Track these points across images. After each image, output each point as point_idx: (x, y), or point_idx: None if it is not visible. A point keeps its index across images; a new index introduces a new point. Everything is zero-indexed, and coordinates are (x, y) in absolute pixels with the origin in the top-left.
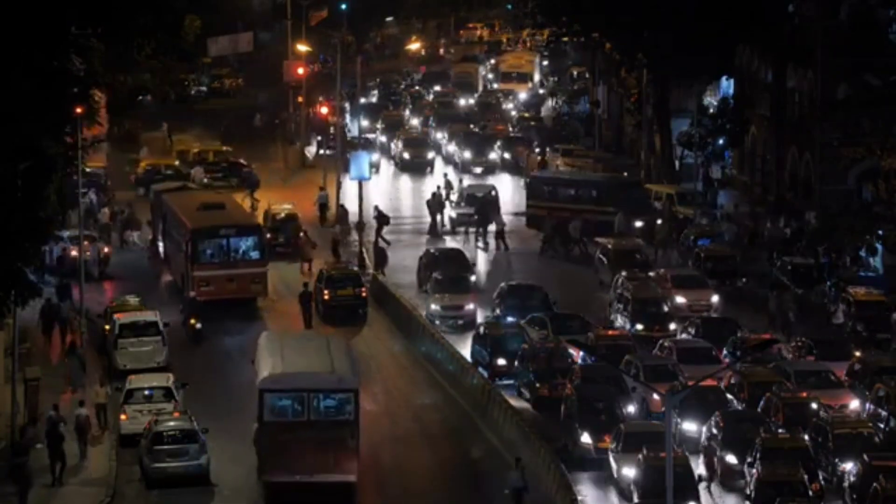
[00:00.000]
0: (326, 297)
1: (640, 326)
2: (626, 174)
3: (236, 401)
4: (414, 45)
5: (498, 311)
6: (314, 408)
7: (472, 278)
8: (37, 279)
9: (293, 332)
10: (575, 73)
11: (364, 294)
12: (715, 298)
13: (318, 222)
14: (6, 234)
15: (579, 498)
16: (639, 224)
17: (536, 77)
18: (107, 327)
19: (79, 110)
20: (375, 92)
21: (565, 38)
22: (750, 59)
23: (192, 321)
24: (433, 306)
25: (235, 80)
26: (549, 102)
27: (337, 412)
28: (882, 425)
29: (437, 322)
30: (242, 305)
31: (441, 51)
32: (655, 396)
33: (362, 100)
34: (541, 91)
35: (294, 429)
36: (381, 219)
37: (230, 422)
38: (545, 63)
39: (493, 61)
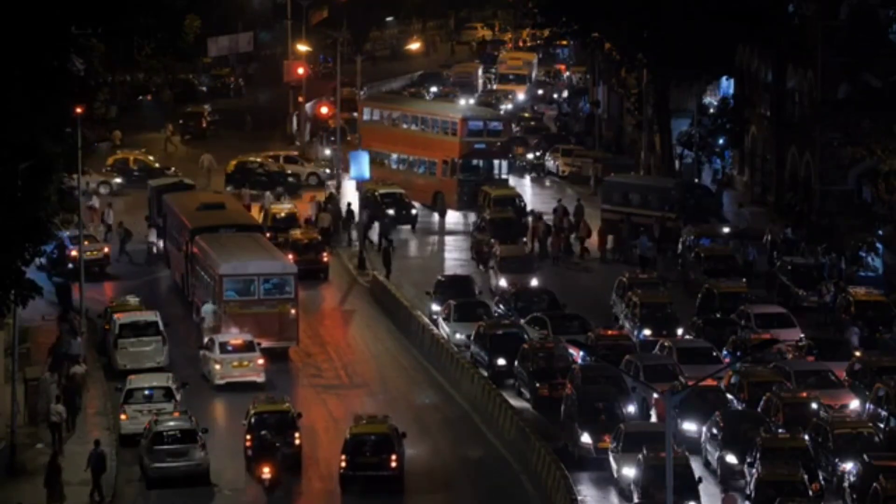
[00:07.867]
0: (292, 259)
1: (647, 332)
2: (696, 180)
3: (235, 400)
4: (414, 45)
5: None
6: (263, 288)
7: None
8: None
9: (226, 234)
10: (567, 72)
11: (325, 259)
12: (801, 335)
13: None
14: (6, 234)
15: (579, 498)
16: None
17: (534, 77)
18: (107, 327)
19: (79, 110)
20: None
21: (564, 41)
22: (750, 59)
23: None
24: (458, 336)
25: (237, 79)
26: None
27: (280, 292)
28: (882, 425)
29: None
30: None
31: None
32: (655, 396)
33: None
34: (539, 92)
35: (248, 305)
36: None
37: (230, 421)
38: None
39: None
